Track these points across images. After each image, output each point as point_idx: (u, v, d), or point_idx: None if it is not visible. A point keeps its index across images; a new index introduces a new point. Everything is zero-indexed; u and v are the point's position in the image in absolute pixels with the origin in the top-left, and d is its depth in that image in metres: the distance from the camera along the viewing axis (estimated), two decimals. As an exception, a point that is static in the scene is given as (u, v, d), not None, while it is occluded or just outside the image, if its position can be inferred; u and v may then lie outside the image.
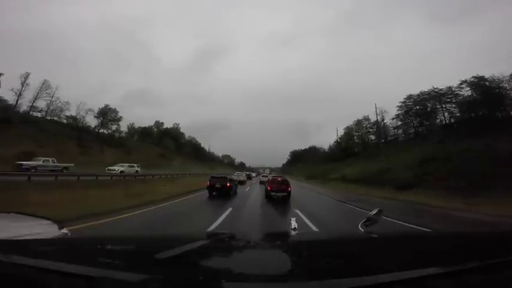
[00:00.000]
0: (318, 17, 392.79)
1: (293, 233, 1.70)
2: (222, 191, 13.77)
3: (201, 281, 0.64)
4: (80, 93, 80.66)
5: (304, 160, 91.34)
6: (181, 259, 0.83)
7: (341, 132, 54.43)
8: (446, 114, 33.59)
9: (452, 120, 32.02)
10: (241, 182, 24.75)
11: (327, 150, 65.49)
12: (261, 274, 0.72)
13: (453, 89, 31.87)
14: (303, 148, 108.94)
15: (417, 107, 37.78)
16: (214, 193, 13.84)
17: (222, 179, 14.55)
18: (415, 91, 37.94)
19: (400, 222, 7.50)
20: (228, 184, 14.02)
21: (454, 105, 31.96)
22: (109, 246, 1.16)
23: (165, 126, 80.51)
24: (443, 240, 1.37)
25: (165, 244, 1.20)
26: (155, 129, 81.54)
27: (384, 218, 1.76)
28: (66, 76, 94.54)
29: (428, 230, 5.33)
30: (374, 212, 1.52)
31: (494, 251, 0.93)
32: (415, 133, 38.15)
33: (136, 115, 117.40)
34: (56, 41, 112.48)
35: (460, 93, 31.15)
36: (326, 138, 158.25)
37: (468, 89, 29.83)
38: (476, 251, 0.99)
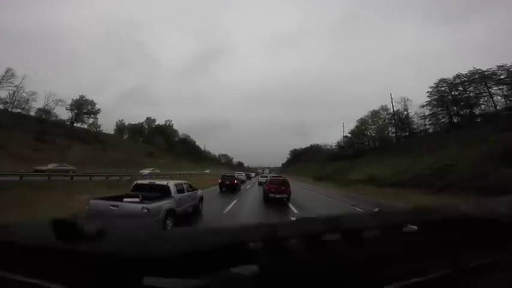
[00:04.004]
0: (318, 18, 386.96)
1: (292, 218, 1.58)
2: (230, 187, 16.54)
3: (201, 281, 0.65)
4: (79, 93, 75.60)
5: (305, 159, 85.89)
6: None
7: (350, 126, 48.38)
8: (497, 99, 27.04)
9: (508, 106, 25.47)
10: (241, 181, 26.31)
11: (334, 146, 59.49)
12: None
13: (507, 67, 25.46)
14: (303, 147, 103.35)
15: (453, 93, 31.36)
16: (224, 189, 16.54)
17: (230, 177, 17.84)
18: (418, 92, 31.56)
19: None
20: (235, 182, 17.24)
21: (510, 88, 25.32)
22: (108, 245, 1.06)
23: (157, 123, 74.37)
24: (441, 239, 1.17)
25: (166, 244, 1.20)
26: (146, 127, 74.90)
27: None
28: (64, 77, 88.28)
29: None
30: (374, 212, 1.57)
31: (494, 251, 0.89)
32: (450, 123, 31.59)
33: (135, 114, 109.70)
34: (52, 41, 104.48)
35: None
36: (327, 137, 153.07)
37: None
38: (476, 251, 0.93)
